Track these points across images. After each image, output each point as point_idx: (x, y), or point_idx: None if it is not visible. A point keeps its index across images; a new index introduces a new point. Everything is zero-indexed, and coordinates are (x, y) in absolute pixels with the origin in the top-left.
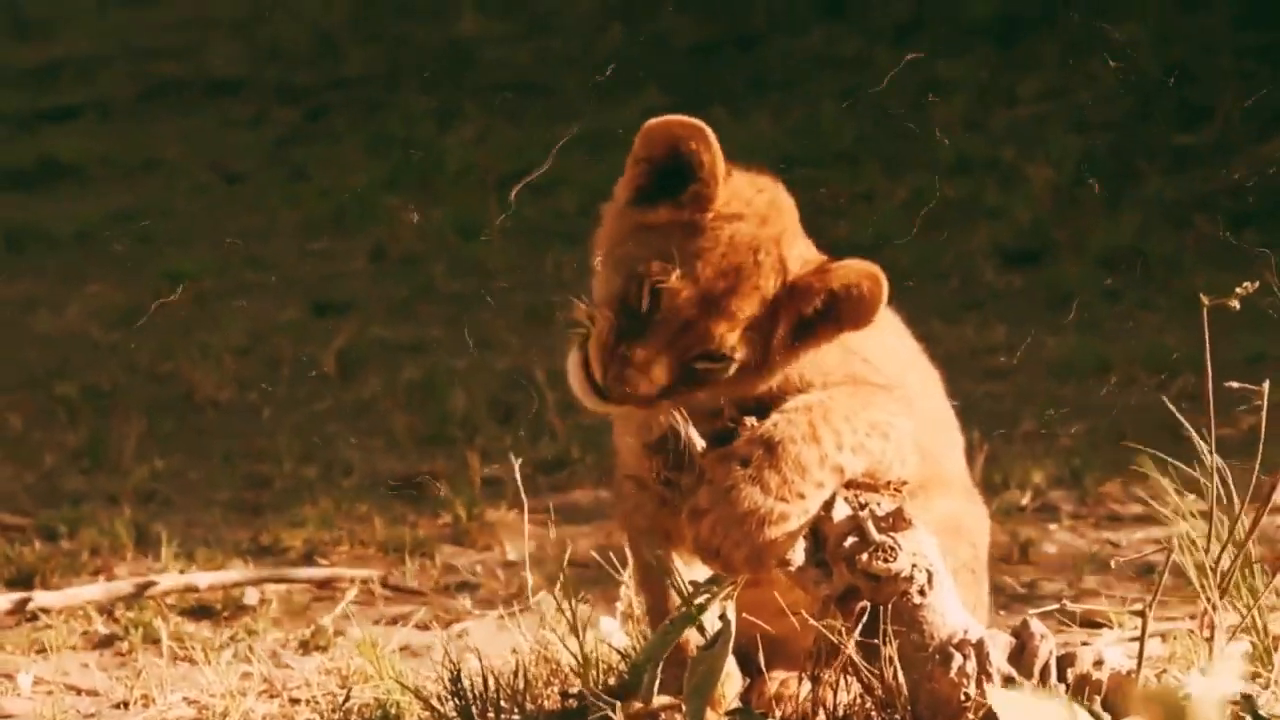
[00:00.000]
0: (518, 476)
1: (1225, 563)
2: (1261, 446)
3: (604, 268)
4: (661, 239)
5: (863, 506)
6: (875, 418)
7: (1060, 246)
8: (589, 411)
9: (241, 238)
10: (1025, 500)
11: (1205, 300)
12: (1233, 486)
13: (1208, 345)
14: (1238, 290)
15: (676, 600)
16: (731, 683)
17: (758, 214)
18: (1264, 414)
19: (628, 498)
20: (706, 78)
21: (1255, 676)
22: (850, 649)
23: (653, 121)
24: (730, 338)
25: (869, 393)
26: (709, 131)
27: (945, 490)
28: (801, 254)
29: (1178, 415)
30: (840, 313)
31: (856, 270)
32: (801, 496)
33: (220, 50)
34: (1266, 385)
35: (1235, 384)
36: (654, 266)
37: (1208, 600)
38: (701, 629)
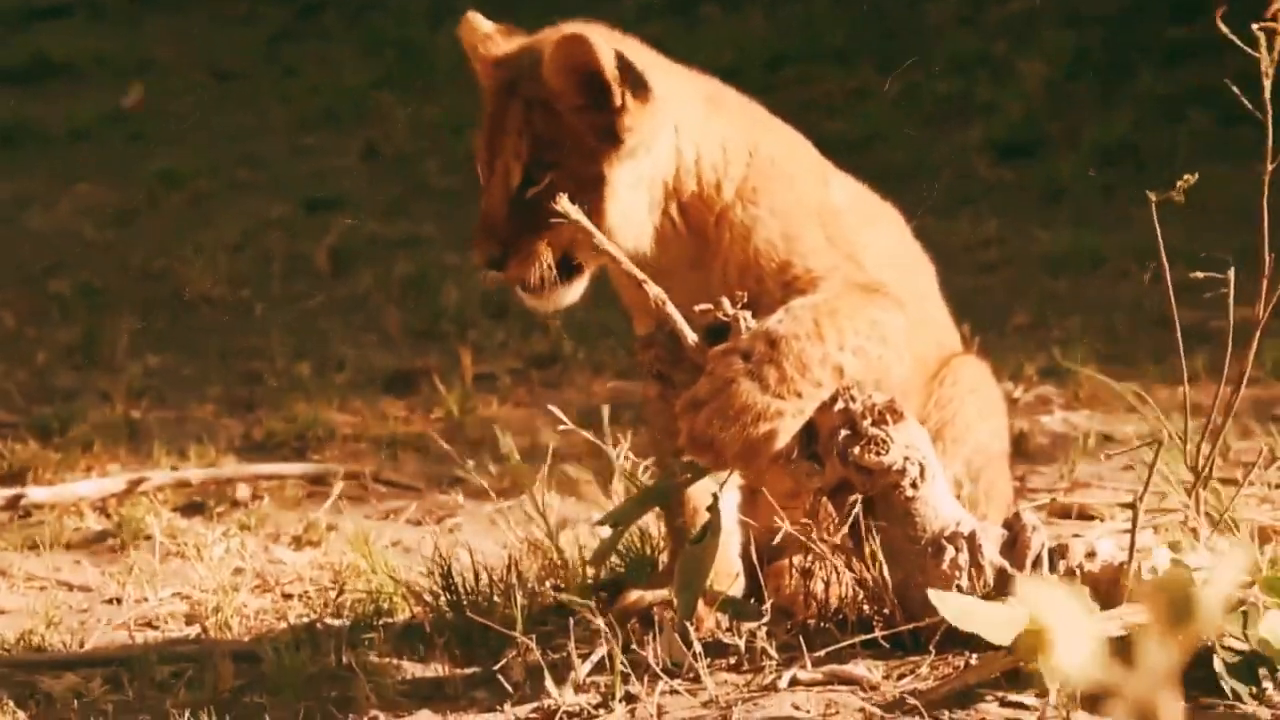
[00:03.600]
0: None
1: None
2: (1231, 335)
3: None
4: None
5: (854, 399)
6: (874, 317)
7: (1053, 141)
8: (582, 307)
9: (234, 135)
10: (1018, 393)
11: (1153, 196)
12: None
13: (1160, 241)
14: (1179, 184)
15: (691, 500)
16: (728, 579)
17: (524, 43)
18: (1230, 302)
19: (651, 399)
20: None
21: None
22: (841, 542)
23: None
24: (524, 158)
25: (864, 293)
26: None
27: (965, 359)
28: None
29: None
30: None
31: (554, 45)
32: (799, 395)
33: None
34: (1232, 272)
35: (1200, 274)
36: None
37: (1188, 492)
38: (716, 526)
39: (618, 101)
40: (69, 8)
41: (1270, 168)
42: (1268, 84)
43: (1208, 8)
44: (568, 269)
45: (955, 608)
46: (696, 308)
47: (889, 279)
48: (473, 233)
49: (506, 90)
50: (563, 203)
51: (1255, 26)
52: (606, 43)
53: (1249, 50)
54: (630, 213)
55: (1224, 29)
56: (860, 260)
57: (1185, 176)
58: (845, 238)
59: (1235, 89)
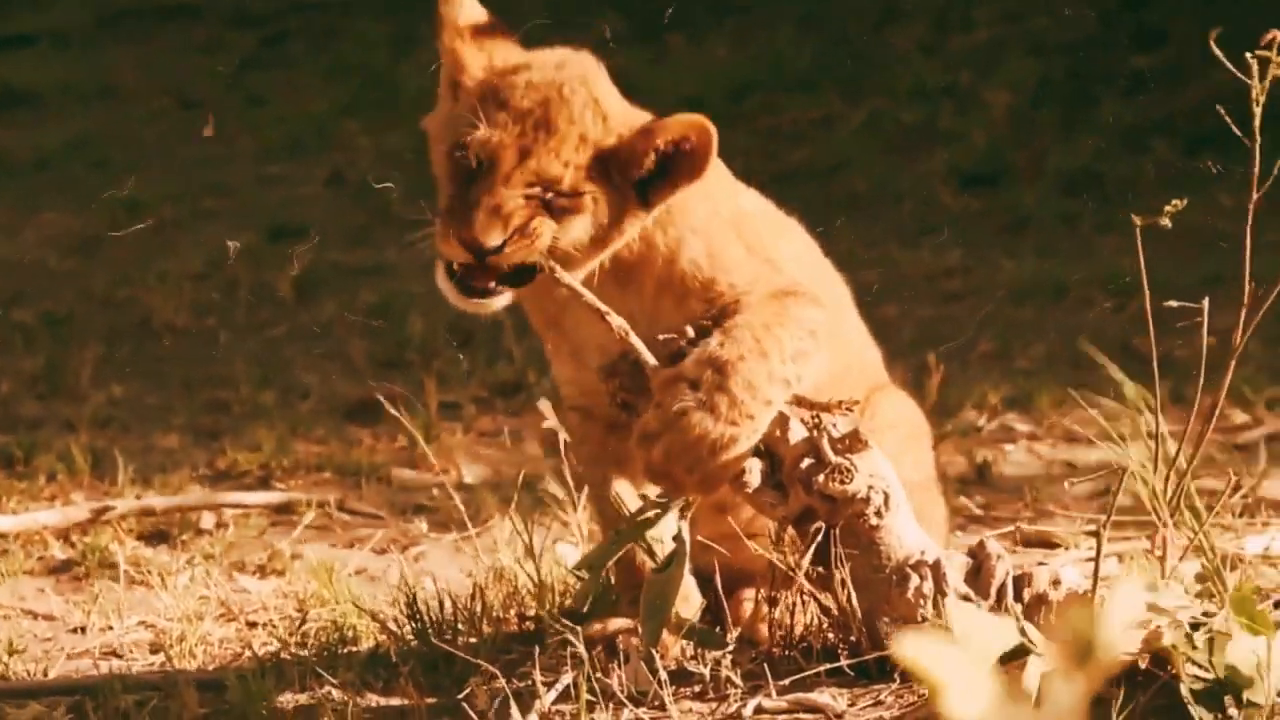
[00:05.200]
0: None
1: (1171, 487)
2: (1204, 365)
3: (434, 164)
4: (469, 113)
5: (819, 428)
6: (801, 316)
7: (1017, 170)
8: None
9: (198, 164)
10: (982, 421)
11: (1138, 220)
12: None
13: (1143, 268)
14: (1167, 208)
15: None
16: (689, 605)
17: (549, 62)
18: (1204, 332)
19: (573, 430)
20: (663, 3)
21: (1210, 596)
22: (805, 572)
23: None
24: (563, 170)
25: (785, 298)
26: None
27: (886, 392)
28: (625, 110)
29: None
30: (674, 169)
31: (683, 123)
32: (751, 418)
33: None
34: (1206, 303)
35: (1175, 303)
36: (464, 130)
37: (1159, 520)
38: (651, 552)
39: (674, 191)
40: (33, 37)
41: (1256, 196)
42: (1258, 112)
43: (1170, 37)
44: (521, 274)
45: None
46: (660, 336)
47: (804, 279)
48: (471, 214)
49: (557, 101)
50: (554, 268)
51: (1249, 56)
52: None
53: (1241, 76)
54: (592, 258)
55: (1218, 53)
56: (778, 264)
57: (1173, 202)
58: (762, 243)
59: (1224, 114)
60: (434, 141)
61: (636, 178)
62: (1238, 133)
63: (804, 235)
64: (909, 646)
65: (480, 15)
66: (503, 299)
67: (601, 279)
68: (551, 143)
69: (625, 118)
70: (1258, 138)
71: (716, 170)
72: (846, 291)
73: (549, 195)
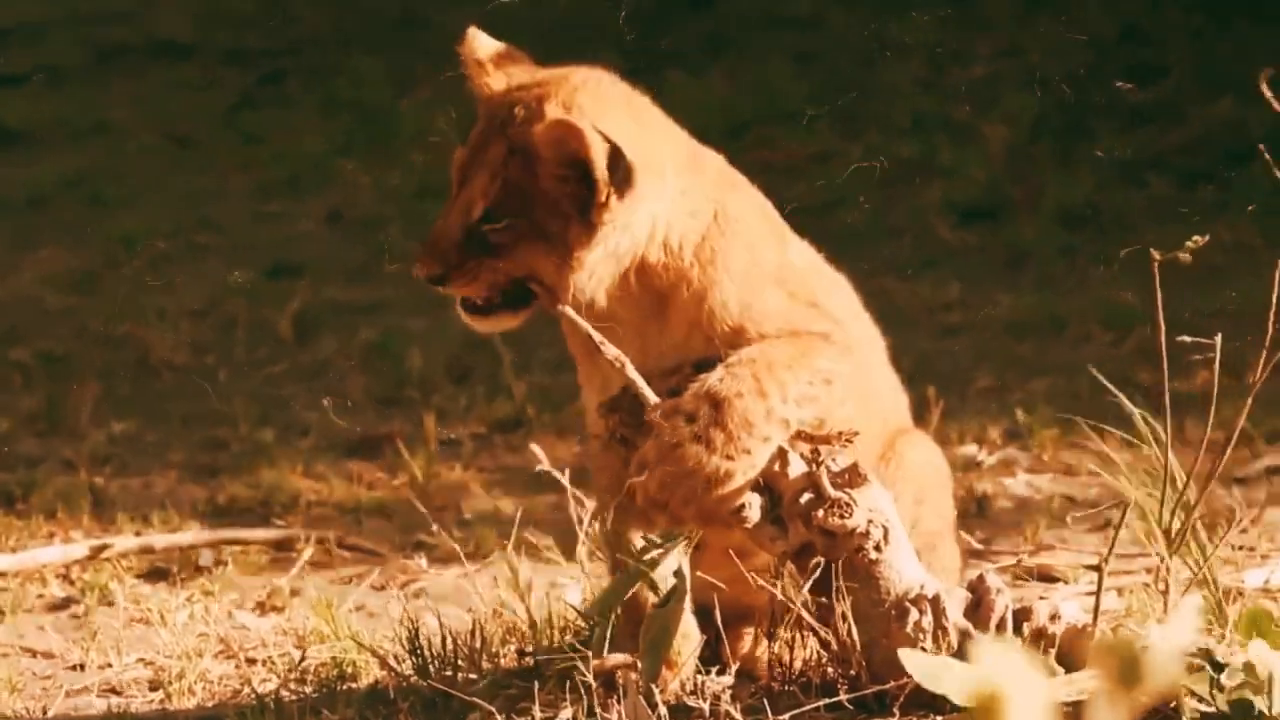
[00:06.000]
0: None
1: (1177, 523)
2: (1215, 401)
3: None
4: None
5: (818, 462)
6: (818, 365)
7: (1015, 204)
8: (545, 370)
9: (193, 201)
10: (981, 455)
11: (1156, 255)
12: (1171, 445)
13: (1159, 301)
14: (1188, 244)
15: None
16: (689, 642)
17: (533, 83)
18: (1216, 368)
19: (594, 457)
20: (660, 39)
21: (1209, 629)
22: (805, 606)
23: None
24: (492, 195)
25: (809, 340)
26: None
27: (910, 438)
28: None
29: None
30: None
31: (544, 133)
32: (748, 453)
33: (169, 14)
34: (1219, 339)
35: (1189, 338)
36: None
37: (1160, 557)
38: (655, 587)
39: (601, 197)
40: (25, 75)
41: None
42: None
43: (1166, 72)
44: (519, 296)
45: (923, 668)
46: (660, 373)
47: (844, 326)
48: (421, 247)
49: (495, 127)
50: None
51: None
52: (599, 135)
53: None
54: (594, 275)
55: (1269, 95)
56: (822, 309)
57: (1195, 238)
58: (808, 287)
59: (1266, 153)
60: None
61: (551, 175)
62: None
63: (850, 291)
64: (937, 670)
65: (497, 46)
66: (506, 321)
67: (631, 310)
68: (481, 167)
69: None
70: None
71: (764, 221)
72: (883, 346)
73: (485, 227)
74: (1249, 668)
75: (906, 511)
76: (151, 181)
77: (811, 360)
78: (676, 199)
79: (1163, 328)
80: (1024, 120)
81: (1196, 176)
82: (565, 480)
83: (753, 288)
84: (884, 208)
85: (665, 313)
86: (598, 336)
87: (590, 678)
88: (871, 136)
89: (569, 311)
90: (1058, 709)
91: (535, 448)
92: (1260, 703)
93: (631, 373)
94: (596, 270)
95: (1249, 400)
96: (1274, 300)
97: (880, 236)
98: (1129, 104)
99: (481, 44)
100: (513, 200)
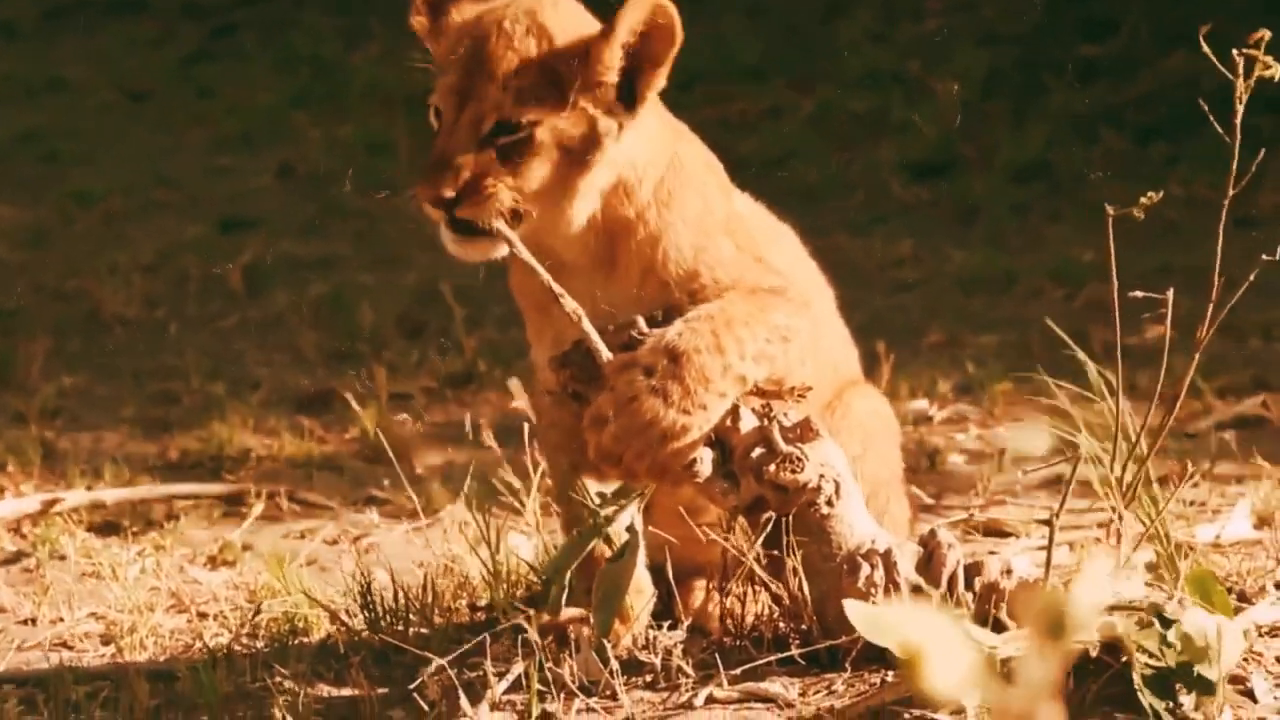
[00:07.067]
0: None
1: (1129, 476)
2: (1166, 356)
3: None
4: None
5: (770, 417)
6: (775, 321)
7: (967, 160)
8: (496, 325)
9: (148, 156)
10: (933, 410)
11: (1110, 210)
12: (1124, 399)
13: (1112, 256)
14: (1142, 200)
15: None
16: (641, 596)
17: (498, 6)
18: (1169, 322)
19: (544, 413)
20: None
21: (1160, 582)
22: (756, 559)
23: None
24: (506, 104)
25: (766, 296)
26: None
27: (859, 389)
28: (582, 25)
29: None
30: (646, 55)
31: (640, 6)
32: (704, 408)
33: None
34: (1171, 294)
35: (1141, 293)
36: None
37: (1113, 511)
38: (609, 541)
39: (661, 84)
40: None
41: (1232, 193)
42: (1240, 109)
43: (1119, 27)
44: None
45: (867, 619)
46: (610, 327)
47: (795, 282)
48: (422, 169)
49: (490, 43)
50: (498, 225)
51: (1236, 53)
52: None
53: (1227, 74)
54: (588, 199)
55: (1208, 51)
56: (769, 264)
57: (1149, 194)
58: (754, 241)
59: (1208, 110)
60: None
61: (607, 80)
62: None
63: (795, 241)
64: (880, 621)
65: None
66: (497, 246)
67: (585, 253)
68: (487, 79)
69: (578, 31)
70: (1238, 135)
71: (712, 172)
72: (831, 295)
73: (500, 140)
74: (1186, 639)
75: (858, 461)
76: (105, 137)
77: (769, 316)
78: (646, 125)
79: (1115, 284)
80: (976, 76)
81: (1149, 132)
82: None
83: (706, 232)
84: (837, 164)
85: (616, 258)
86: (558, 288)
87: (535, 634)
88: (824, 92)
89: (527, 256)
90: (991, 663)
91: (514, 382)
92: (1204, 670)
93: (587, 326)
94: (591, 192)
95: (1195, 357)
96: (1218, 257)
97: (832, 192)
98: (1082, 59)
99: None
100: (529, 104)
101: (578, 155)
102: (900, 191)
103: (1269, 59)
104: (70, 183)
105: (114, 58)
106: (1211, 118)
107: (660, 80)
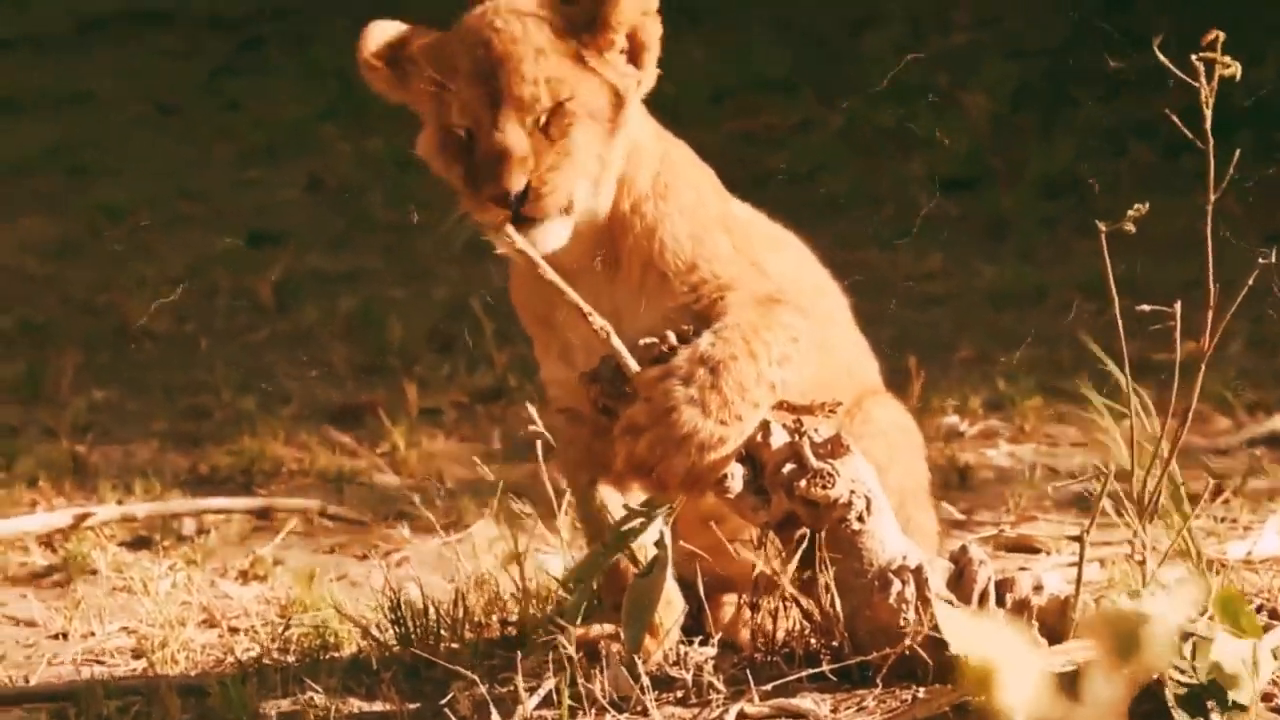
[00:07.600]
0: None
1: (1150, 491)
2: (1178, 369)
3: (438, 168)
4: (441, 95)
5: (801, 433)
6: (783, 321)
7: (996, 174)
8: (526, 340)
9: (176, 169)
10: (963, 426)
11: (1102, 226)
12: (1154, 412)
13: (1109, 272)
14: (1129, 213)
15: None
16: (671, 610)
17: (475, 15)
18: (1177, 335)
19: (560, 431)
20: None
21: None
22: (788, 576)
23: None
24: (541, 91)
25: (766, 303)
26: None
27: (879, 399)
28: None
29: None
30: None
31: None
32: (739, 419)
33: None
34: (1179, 306)
35: (1147, 307)
36: (443, 112)
37: (1131, 526)
38: (634, 558)
39: (659, 31)
40: (9, 42)
41: (1214, 198)
42: (1209, 114)
43: (1147, 39)
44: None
45: (958, 628)
46: (641, 341)
47: (788, 288)
48: (485, 169)
49: (494, 45)
50: (508, 230)
51: (1195, 58)
52: None
53: (1189, 81)
54: (615, 167)
55: (1162, 59)
56: (763, 269)
57: (1136, 206)
58: (750, 246)
59: (1177, 120)
60: (430, 152)
61: (617, 39)
62: (1191, 138)
63: (798, 246)
64: (960, 633)
65: (390, 31)
66: (559, 232)
67: (588, 251)
68: (511, 75)
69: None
70: (1210, 140)
71: (704, 171)
72: (842, 301)
73: (542, 122)
74: (1216, 667)
75: (883, 471)
76: (133, 150)
77: (778, 318)
78: (645, 129)
79: (1115, 299)
80: (1005, 89)
81: (1179, 145)
82: (548, 439)
83: (702, 224)
84: (865, 177)
85: (619, 257)
86: (586, 306)
87: (571, 648)
88: (852, 105)
89: (553, 277)
90: (1047, 679)
91: (531, 407)
92: (1236, 695)
93: (615, 342)
94: (617, 163)
95: (1200, 370)
96: (1209, 269)
97: (861, 205)
98: (1110, 72)
99: (374, 37)
100: (557, 84)
101: (608, 118)
102: (929, 205)
103: (1227, 59)
104: (98, 195)
105: (142, 71)
106: (1185, 129)
107: (658, 27)
